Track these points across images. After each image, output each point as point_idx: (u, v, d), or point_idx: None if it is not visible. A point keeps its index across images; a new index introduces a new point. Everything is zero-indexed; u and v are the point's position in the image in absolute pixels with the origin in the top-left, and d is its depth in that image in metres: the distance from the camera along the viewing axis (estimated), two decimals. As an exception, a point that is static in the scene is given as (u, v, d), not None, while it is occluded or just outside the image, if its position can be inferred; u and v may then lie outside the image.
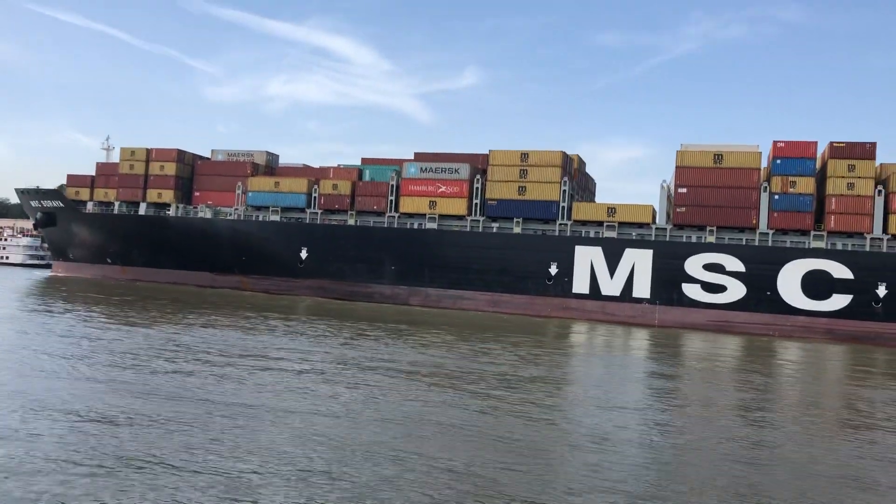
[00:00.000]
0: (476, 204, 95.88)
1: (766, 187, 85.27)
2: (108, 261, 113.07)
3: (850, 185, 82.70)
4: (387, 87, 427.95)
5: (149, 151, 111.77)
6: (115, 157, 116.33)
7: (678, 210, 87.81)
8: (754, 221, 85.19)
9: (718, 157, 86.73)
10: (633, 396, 38.53)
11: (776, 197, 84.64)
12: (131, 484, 19.06)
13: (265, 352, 44.29)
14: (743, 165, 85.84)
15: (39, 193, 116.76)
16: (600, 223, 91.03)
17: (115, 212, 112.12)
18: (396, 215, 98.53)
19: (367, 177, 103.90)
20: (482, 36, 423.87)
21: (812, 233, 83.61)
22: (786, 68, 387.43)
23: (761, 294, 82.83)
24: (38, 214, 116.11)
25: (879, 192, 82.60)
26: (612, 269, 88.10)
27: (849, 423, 34.16)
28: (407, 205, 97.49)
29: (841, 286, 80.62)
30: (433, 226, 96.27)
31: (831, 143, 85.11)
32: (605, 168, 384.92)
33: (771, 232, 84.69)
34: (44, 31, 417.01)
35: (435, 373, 39.97)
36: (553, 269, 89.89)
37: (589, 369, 50.23)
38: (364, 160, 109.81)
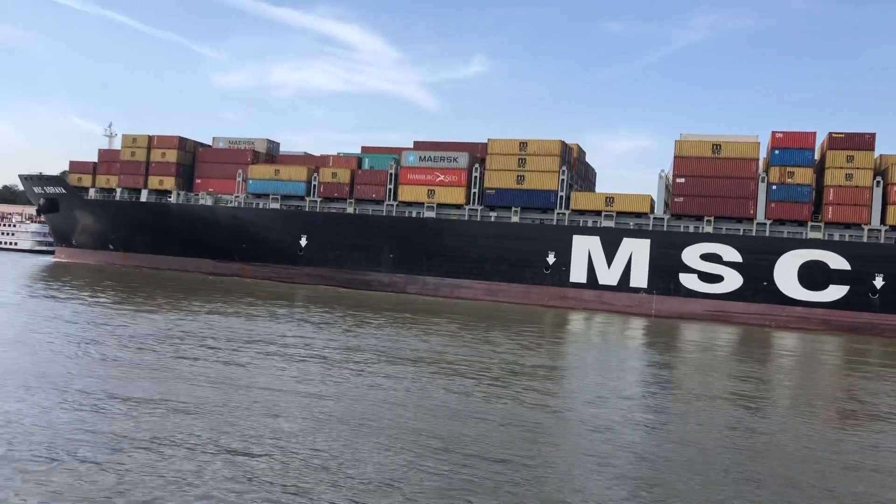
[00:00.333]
0: (474, 193, 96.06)
1: (764, 178, 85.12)
2: (111, 247, 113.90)
3: (849, 176, 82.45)
4: (394, 76, 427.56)
5: (150, 138, 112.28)
6: (117, 144, 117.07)
7: (676, 200, 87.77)
8: (752, 212, 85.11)
9: (717, 147, 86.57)
10: (634, 387, 38.80)
11: (774, 187, 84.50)
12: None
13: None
14: (741, 156, 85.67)
15: (42, 180, 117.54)
16: (598, 213, 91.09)
17: (117, 198, 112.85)
18: (395, 204, 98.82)
19: (366, 165, 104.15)
20: (490, 24, 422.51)
21: (810, 223, 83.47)
22: (790, 59, 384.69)
23: (758, 284, 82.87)
24: (41, 201, 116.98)
25: (878, 183, 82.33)
26: (609, 259, 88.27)
27: (849, 413, 34.44)
28: (406, 193, 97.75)
29: (838, 277, 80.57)
30: (431, 214, 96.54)
31: (830, 133, 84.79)
32: (614, 158, 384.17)
33: (768, 222, 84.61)
34: (51, 16, 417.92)
35: (446, 361, 40.36)
36: (551, 259, 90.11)
37: (588, 359, 50.56)
38: (364, 148, 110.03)
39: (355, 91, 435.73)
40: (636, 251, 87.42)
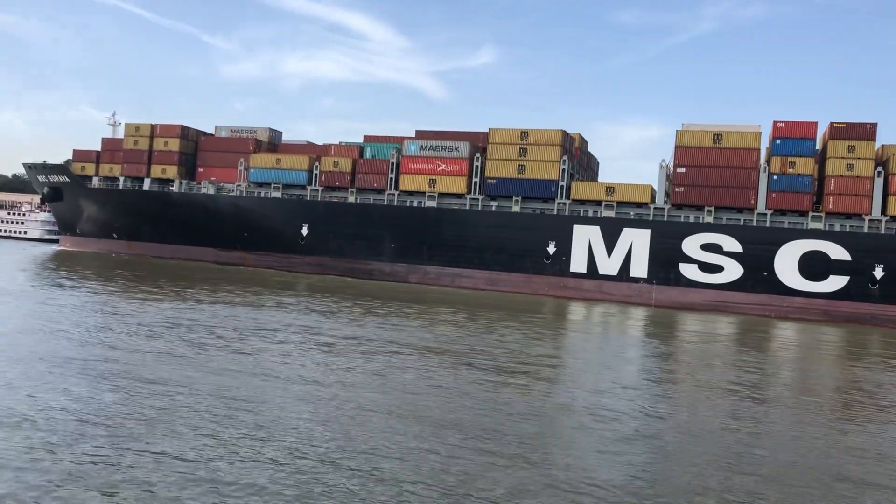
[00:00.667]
0: (475, 182, 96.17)
1: (765, 168, 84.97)
2: (114, 235, 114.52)
3: (850, 167, 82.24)
4: (403, 65, 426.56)
5: (153, 127, 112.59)
6: (121, 133, 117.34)
7: (677, 190, 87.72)
8: (753, 202, 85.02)
9: (718, 136, 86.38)
10: (636, 376, 39.32)
11: (775, 177, 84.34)
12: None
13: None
14: (742, 146, 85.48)
15: (46, 168, 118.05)
16: (599, 202, 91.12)
17: (120, 187, 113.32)
18: (396, 193, 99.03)
19: (367, 154, 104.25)
20: (499, 13, 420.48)
21: (810, 214, 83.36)
22: (800, 47, 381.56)
23: (758, 275, 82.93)
24: (45, 189, 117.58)
25: (879, 173, 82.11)
26: (609, 249, 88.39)
27: (850, 403, 34.74)
28: (407, 183, 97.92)
29: (838, 267, 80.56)
30: (433, 204, 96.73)
31: (831, 123, 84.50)
32: (621, 148, 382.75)
33: (769, 212, 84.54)
34: (64, 6, 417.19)
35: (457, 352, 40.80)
36: (551, 248, 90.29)
37: (590, 349, 50.91)
38: (366, 137, 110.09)
39: (364, 80, 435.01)
40: (636, 241, 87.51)
